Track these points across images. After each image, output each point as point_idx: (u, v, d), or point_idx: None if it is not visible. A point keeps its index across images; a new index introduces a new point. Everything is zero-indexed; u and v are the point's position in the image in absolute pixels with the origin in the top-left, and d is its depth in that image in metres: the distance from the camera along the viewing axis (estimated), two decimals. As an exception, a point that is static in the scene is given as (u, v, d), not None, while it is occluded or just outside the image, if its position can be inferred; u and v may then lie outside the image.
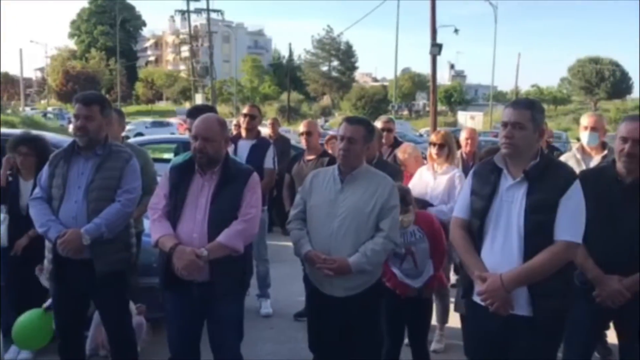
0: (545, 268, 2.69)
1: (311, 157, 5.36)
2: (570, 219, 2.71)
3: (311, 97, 67.70)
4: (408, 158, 5.18)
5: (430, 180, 4.88)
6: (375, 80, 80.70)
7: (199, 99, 53.05)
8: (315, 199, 3.39)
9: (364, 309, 3.31)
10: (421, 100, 62.95)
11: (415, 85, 60.04)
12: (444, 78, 72.84)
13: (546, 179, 2.75)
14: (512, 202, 2.78)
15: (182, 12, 51.03)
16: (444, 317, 4.94)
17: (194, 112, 3.94)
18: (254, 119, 5.70)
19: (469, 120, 49.27)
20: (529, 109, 2.79)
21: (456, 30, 25.23)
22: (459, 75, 78.72)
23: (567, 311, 2.81)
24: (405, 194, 3.77)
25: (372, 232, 3.26)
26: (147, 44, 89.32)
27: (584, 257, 3.17)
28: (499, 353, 2.84)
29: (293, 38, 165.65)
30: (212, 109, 3.90)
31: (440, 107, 52.77)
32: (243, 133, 5.75)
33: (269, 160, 5.64)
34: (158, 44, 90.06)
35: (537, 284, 2.71)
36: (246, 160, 5.57)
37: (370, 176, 3.37)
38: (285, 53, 66.23)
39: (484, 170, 2.95)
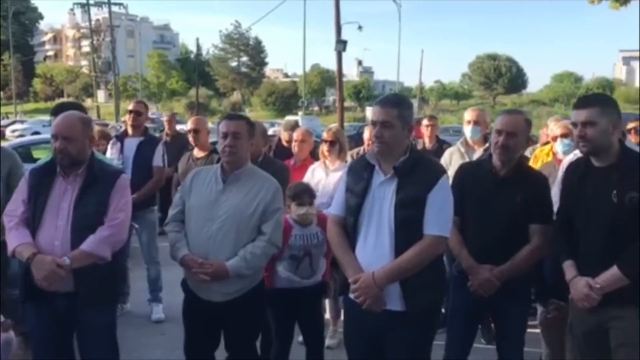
0: (415, 263, 2.71)
1: (200, 155, 5.20)
2: (438, 214, 2.74)
3: (221, 93, 66.74)
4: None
5: (322, 177, 4.86)
6: (286, 76, 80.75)
7: (101, 96, 50.94)
8: (194, 200, 3.24)
9: (244, 313, 3.21)
10: (331, 96, 63.52)
11: (324, 81, 60.59)
12: (352, 74, 74.17)
13: (415, 174, 2.77)
14: (383, 198, 2.78)
15: (82, 5, 48.77)
16: (337, 313, 4.94)
17: (58, 110, 3.67)
18: (139, 115, 5.45)
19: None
20: (396, 107, 2.80)
21: (360, 27, 25.66)
22: (367, 71, 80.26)
23: (439, 304, 2.86)
24: (309, 186, 3.74)
25: (253, 235, 3.15)
26: (45, 38, 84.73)
27: (459, 247, 3.25)
28: (375, 348, 2.85)
29: (201, 33, 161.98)
30: (78, 107, 3.64)
31: (349, 103, 53.66)
32: (129, 130, 5.49)
33: (158, 158, 5.43)
34: (57, 38, 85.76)
35: (408, 279, 2.72)
36: (133, 159, 5.36)
37: (254, 177, 3.26)
38: (193, 48, 64.79)
39: (357, 167, 2.94)
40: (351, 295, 2.81)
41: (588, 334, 2.91)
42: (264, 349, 4.00)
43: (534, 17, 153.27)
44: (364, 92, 58.59)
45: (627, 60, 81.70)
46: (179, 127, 9.63)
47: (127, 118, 5.49)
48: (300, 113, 42.55)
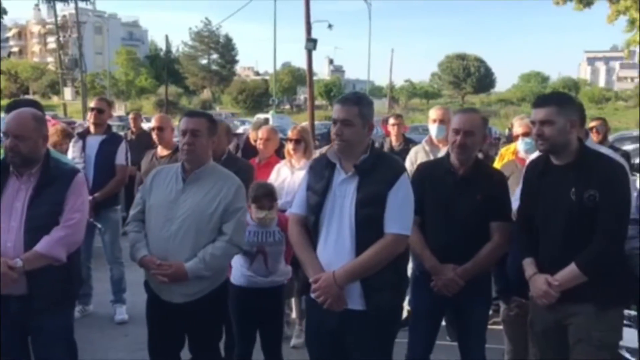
0: (376, 261, 2.70)
1: (164, 153, 5.11)
2: (398, 212, 2.74)
3: (191, 91, 66.04)
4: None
5: (287, 175, 4.83)
6: (257, 74, 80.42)
7: (68, 93, 49.93)
8: (154, 199, 3.18)
9: (205, 314, 3.16)
10: (302, 95, 63.46)
11: (295, 79, 60.51)
12: (323, 73, 74.28)
13: (376, 172, 2.76)
14: (344, 197, 2.77)
15: (48, 0, 47.62)
16: (303, 312, 4.91)
17: (13, 107, 3.56)
18: (102, 112, 5.35)
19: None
20: (356, 105, 2.78)
21: (330, 26, 25.66)
22: (338, 70, 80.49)
23: (400, 303, 2.86)
24: (272, 190, 3.67)
25: (213, 235, 3.09)
26: (9, 34, 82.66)
27: (421, 247, 3.25)
28: (337, 347, 2.83)
29: (170, 30, 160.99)
30: (34, 104, 3.54)
31: (321, 102, 53.63)
32: (91, 128, 5.39)
33: (121, 157, 5.35)
34: (22, 34, 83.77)
35: (369, 278, 2.71)
36: (96, 157, 5.27)
37: (216, 175, 3.20)
38: (162, 45, 63.90)
39: (318, 166, 2.92)
40: (312, 295, 2.79)
41: (547, 331, 2.94)
42: (228, 350, 3.97)
43: (502, 18, 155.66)
44: (335, 91, 58.63)
45: (591, 61, 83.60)
46: (147, 125, 9.51)
47: (89, 116, 5.38)
48: (271, 111, 42.35)
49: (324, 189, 2.80)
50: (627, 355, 3.60)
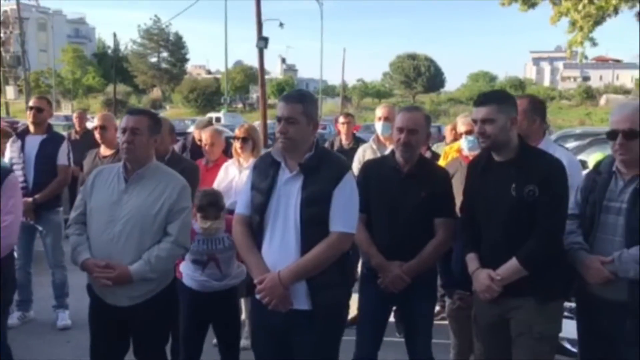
0: (321, 260, 2.69)
1: (107, 153, 4.97)
2: (343, 210, 2.73)
3: (140, 90, 64.74)
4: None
5: (235, 174, 4.78)
6: (208, 72, 79.51)
7: (10, 92, 48.16)
8: (96, 200, 3.08)
9: (152, 317, 3.09)
10: (255, 94, 63.10)
11: (248, 78, 60.05)
12: (276, 72, 74.02)
13: (320, 171, 2.75)
14: (289, 196, 2.75)
15: (-13, -5, 45.84)
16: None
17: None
18: (41, 111, 5.16)
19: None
20: (300, 102, 2.76)
21: (281, 25, 25.56)
22: (291, 69, 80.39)
23: (346, 302, 2.85)
24: (218, 199, 3.59)
25: (158, 236, 3.02)
26: (-54, 29, 79.04)
27: (368, 245, 3.27)
28: (283, 348, 2.81)
29: (118, 28, 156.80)
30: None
31: (273, 101, 53.44)
32: (30, 127, 5.20)
33: (63, 157, 5.18)
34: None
35: (314, 277, 2.70)
36: (36, 157, 5.10)
37: (159, 175, 3.12)
38: (110, 43, 62.41)
39: (263, 164, 2.89)
40: (257, 296, 2.76)
41: (491, 325, 2.99)
42: (175, 353, 3.89)
43: (451, 18, 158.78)
44: (287, 90, 58.52)
45: (536, 61, 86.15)
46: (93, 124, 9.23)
47: (28, 115, 5.18)
48: (222, 110, 41.99)
49: (268, 188, 2.77)
50: (569, 346, 3.71)
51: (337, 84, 67.41)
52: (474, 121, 2.96)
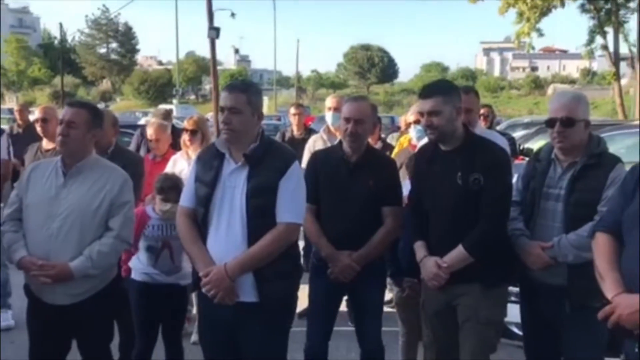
0: (269, 252, 2.67)
1: (50, 146, 4.80)
2: (290, 201, 2.71)
3: (89, 82, 63.01)
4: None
5: (184, 167, 4.70)
6: (160, 63, 78.03)
7: (-52, 85, 46.14)
8: (32, 196, 2.97)
9: (95, 315, 3.00)
10: (208, 85, 62.38)
11: (200, 69, 59.21)
12: (229, 62, 73.23)
13: (266, 161, 2.73)
14: (234, 187, 2.71)
15: None
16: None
17: None
18: (-23, 105, 4.95)
19: (255, 104, 50.03)
20: (244, 92, 2.72)
21: (233, 15, 25.28)
22: (244, 60, 79.69)
23: (294, 294, 2.84)
24: (179, 183, 3.52)
25: (100, 231, 2.94)
26: None
27: (317, 236, 3.27)
28: (231, 341, 2.78)
29: (64, 18, 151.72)
30: None
31: (227, 92, 52.87)
32: (-33, 122, 4.98)
33: (3, 151, 5.01)
34: None
35: (262, 269, 2.68)
36: (-30, 151, 4.89)
37: (100, 168, 3.03)
38: (56, 33, 60.41)
39: (207, 156, 2.84)
40: (203, 289, 2.71)
41: (438, 312, 3.04)
42: (124, 350, 3.81)
43: (404, 9, 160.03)
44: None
45: (487, 52, 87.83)
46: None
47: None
48: (174, 102, 41.31)
49: (213, 180, 2.73)
50: (516, 330, 3.80)
51: (291, 75, 67.25)
52: (421, 114, 2.99)
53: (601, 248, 2.27)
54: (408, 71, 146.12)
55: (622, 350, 2.33)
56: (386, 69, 62.81)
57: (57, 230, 2.88)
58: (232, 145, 2.75)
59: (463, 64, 73.76)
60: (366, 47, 63.62)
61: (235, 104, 2.68)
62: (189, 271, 3.57)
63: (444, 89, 2.97)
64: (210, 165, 2.77)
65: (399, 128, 11.58)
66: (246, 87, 2.77)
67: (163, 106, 34.39)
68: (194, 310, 4.79)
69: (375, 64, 61.82)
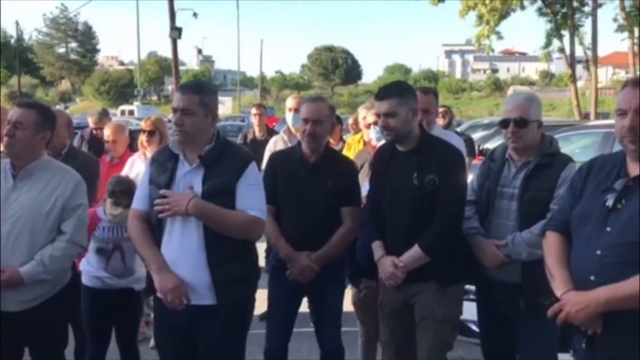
0: (237, 225, 2.65)
1: (1, 148, 4.67)
2: (251, 199, 2.67)
3: (47, 82, 61.58)
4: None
5: (141, 168, 4.61)
6: (121, 63, 76.81)
7: None
8: None
9: (47, 321, 2.92)
10: (170, 85, 61.63)
11: (163, 69, 58.47)
12: (192, 63, 72.52)
13: (222, 163, 2.69)
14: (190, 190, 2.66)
15: None
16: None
17: None
18: None
19: (219, 105, 49.81)
20: (197, 93, 2.67)
21: (195, 15, 25.04)
22: (208, 60, 79.05)
23: (252, 296, 2.81)
24: (132, 187, 3.43)
25: (52, 235, 2.86)
26: None
27: (276, 237, 3.26)
28: (188, 345, 2.74)
29: (20, 16, 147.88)
30: None
31: (190, 92, 52.34)
32: None
33: None
34: None
35: (218, 270, 2.63)
36: None
37: (51, 170, 2.95)
38: (12, 32, 58.74)
39: (161, 158, 2.79)
40: (158, 294, 2.67)
41: (396, 311, 3.06)
42: (79, 355, 3.73)
43: (367, 11, 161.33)
44: (205, 82, 57.46)
45: (448, 54, 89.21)
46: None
47: None
48: (136, 102, 40.65)
49: (167, 182, 2.68)
50: (473, 327, 3.86)
51: (255, 76, 66.95)
52: (377, 115, 3.01)
53: (551, 246, 2.32)
54: (372, 73, 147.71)
55: (571, 346, 2.38)
56: (350, 70, 63.17)
57: (7, 234, 2.79)
58: (186, 147, 2.71)
59: (425, 66, 74.91)
60: (330, 49, 63.85)
61: (187, 105, 2.63)
62: (143, 275, 3.51)
63: (399, 91, 2.99)
64: (164, 167, 2.72)
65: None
66: (199, 87, 2.72)
67: (124, 107, 33.83)
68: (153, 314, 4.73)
69: (339, 66, 62.10)
